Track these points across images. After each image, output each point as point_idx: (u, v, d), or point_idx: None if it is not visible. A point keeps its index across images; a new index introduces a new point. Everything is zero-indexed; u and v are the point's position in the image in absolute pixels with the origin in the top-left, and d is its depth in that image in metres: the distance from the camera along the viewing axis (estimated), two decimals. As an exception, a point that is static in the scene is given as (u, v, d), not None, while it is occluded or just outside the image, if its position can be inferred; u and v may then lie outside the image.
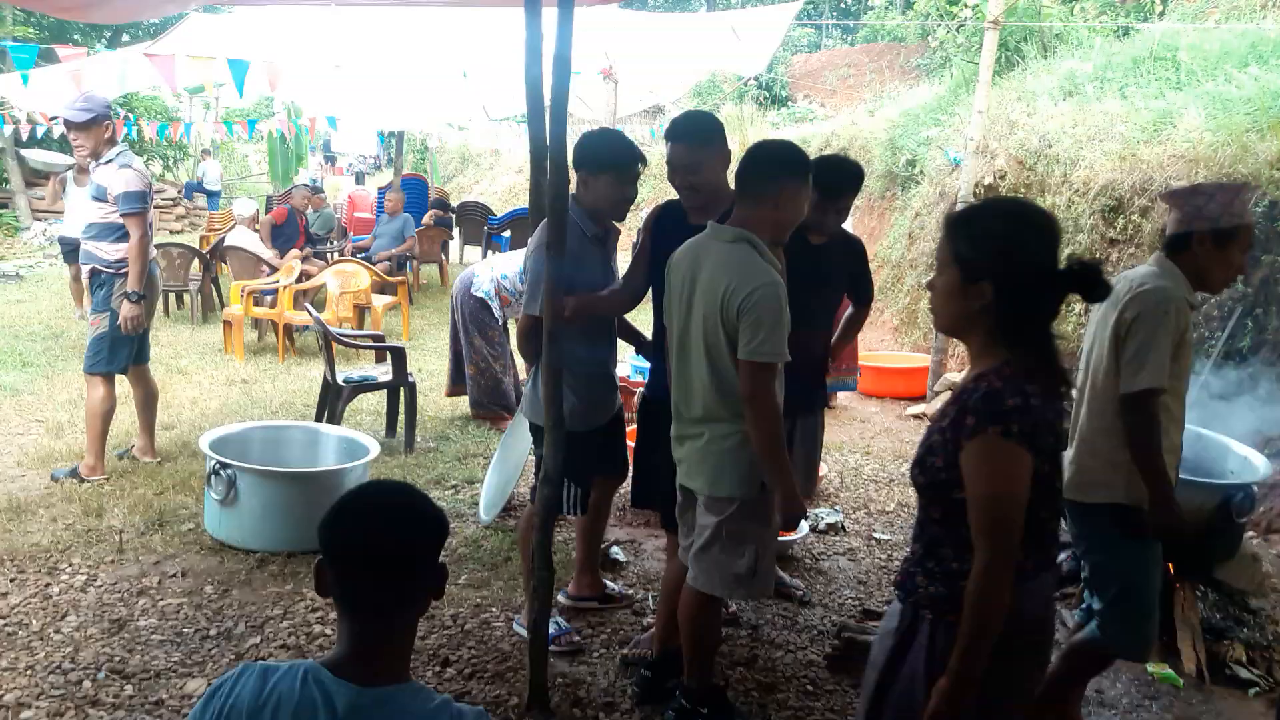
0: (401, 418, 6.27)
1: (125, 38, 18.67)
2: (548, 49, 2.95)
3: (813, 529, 5.03)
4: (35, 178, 17.22)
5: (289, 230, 11.10)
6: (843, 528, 5.17)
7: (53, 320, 9.65)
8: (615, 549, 4.64)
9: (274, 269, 9.69)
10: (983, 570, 1.95)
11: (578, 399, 3.40)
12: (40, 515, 4.83)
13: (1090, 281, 1.98)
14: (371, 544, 1.62)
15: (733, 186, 3.00)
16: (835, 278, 3.93)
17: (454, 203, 15.97)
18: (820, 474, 5.35)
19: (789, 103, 19.51)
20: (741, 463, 2.92)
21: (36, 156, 9.21)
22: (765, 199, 2.91)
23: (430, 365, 8.37)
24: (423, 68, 6.74)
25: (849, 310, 4.33)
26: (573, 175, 3.42)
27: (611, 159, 3.44)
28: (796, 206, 2.94)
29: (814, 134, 14.20)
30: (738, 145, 15.96)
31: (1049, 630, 2.18)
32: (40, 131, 13.23)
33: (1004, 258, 1.98)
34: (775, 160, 2.95)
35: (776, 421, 2.86)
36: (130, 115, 15.76)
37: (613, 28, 7.59)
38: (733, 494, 2.96)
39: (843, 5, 26.90)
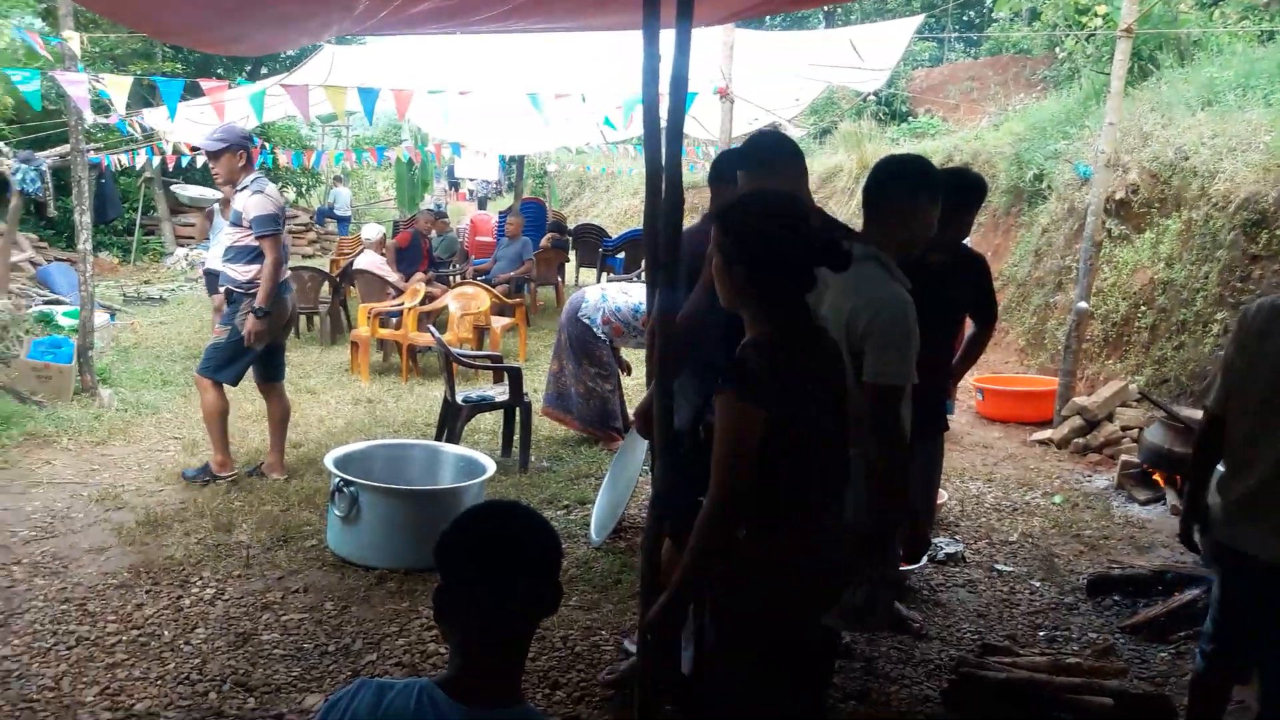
0: (517, 437, 6.34)
1: (264, 70, 19.51)
2: (664, 70, 2.89)
3: (931, 559, 4.87)
4: (180, 207, 18.24)
5: (414, 254, 11.39)
6: (963, 558, 4.99)
7: (191, 341, 10.10)
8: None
9: (399, 292, 9.91)
10: (708, 505, 2.32)
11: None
12: (175, 529, 5.03)
13: (835, 257, 2.39)
14: (487, 564, 1.64)
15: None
16: (957, 297, 3.79)
17: (570, 225, 16.15)
18: (940, 502, 5.19)
19: (910, 118, 19.10)
20: (861, 490, 2.80)
21: (186, 191, 9.71)
22: (893, 215, 2.86)
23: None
24: (543, 93, 6.85)
25: (970, 331, 4.18)
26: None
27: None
28: (925, 222, 2.89)
29: (936, 149, 13.87)
30: (855, 163, 15.85)
31: (812, 580, 2.45)
32: (185, 161, 14.03)
33: (750, 247, 2.34)
34: (903, 175, 2.91)
35: (902, 449, 2.75)
36: (267, 144, 16.49)
37: (730, 46, 7.57)
38: (854, 522, 2.84)
39: (965, 18, 26.29)
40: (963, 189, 3.67)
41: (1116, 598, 4.54)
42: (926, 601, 4.51)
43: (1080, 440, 7.01)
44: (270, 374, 5.74)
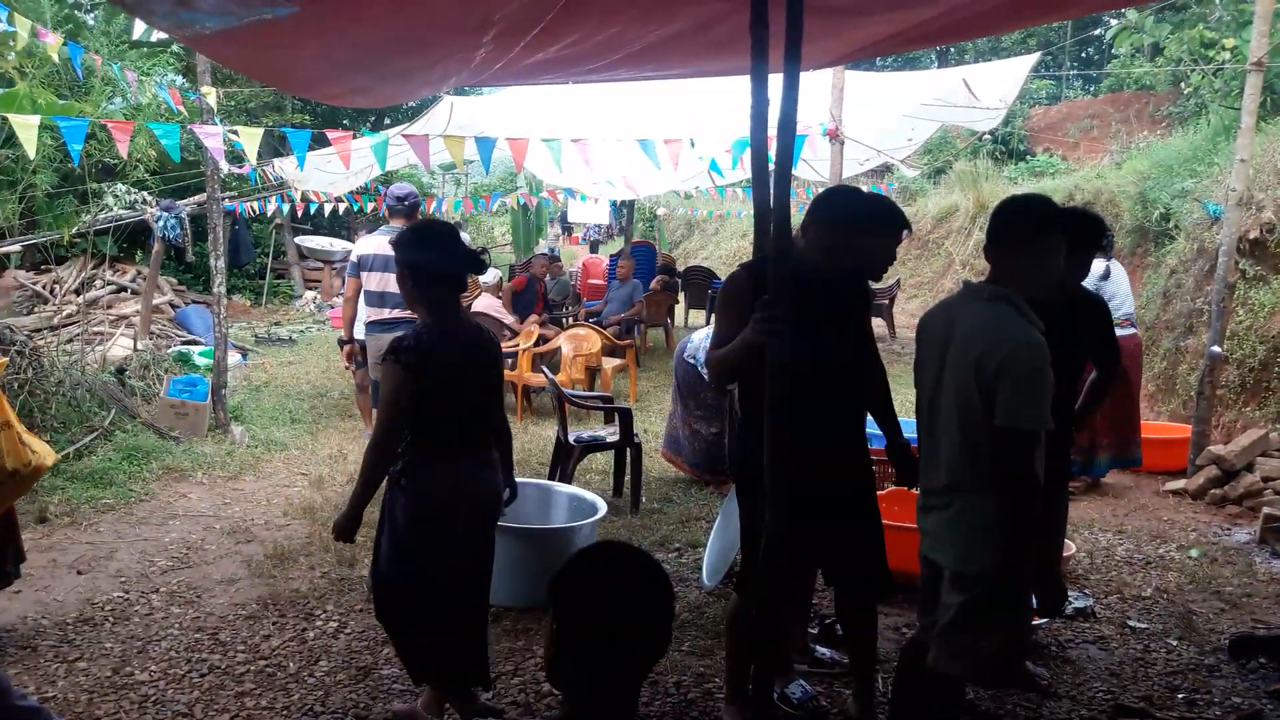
0: (628, 478, 6.34)
1: (387, 120, 20.20)
2: (773, 114, 2.90)
3: (1060, 613, 4.64)
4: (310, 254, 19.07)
5: (529, 297, 11.53)
6: (1093, 613, 4.76)
7: (319, 380, 10.44)
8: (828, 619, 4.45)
9: (515, 333, 9.99)
10: (371, 441, 3.34)
11: None
12: (301, 563, 5.17)
13: (475, 265, 3.36)
14: (602, 608, 1.66)
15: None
16: (1078, 340, 3.67)
17: (680, 268, 16.25)
18: (1068, 553, 4.98)
19: (1028, 156, 18.65)
20: (994, 537, 2.77)
21: (307, 243, 10.15)
22: (1021, 255, 2.85)
23: (655, 426, 8.44)
24: (653, 137, 6.88)
25: (1092, 376, 4.03)
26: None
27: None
28: (1053, 262, 2.87)
29: (1056, 188, 13.52)
30: (971, 202, 15.48)
31: (452, 507, 3.31)
32: (313, 208, 14.52)
33: (414, 263, 3.30)
34: (1030, 214, 2.90)
35: (1035, 496, 2.71)
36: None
37: (839, 88, 7.54)
38: (984, 570, 2.81)
39: (1083, 55, 25.65)
40: (1082, 228, 3.61)
41: (1262, 660, 4.26)
42: (1054, 658, 4.31)
43: (1217, 491, 6.65)
44: None
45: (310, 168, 10.55)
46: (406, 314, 5.71)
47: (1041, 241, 2.84)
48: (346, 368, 7.18)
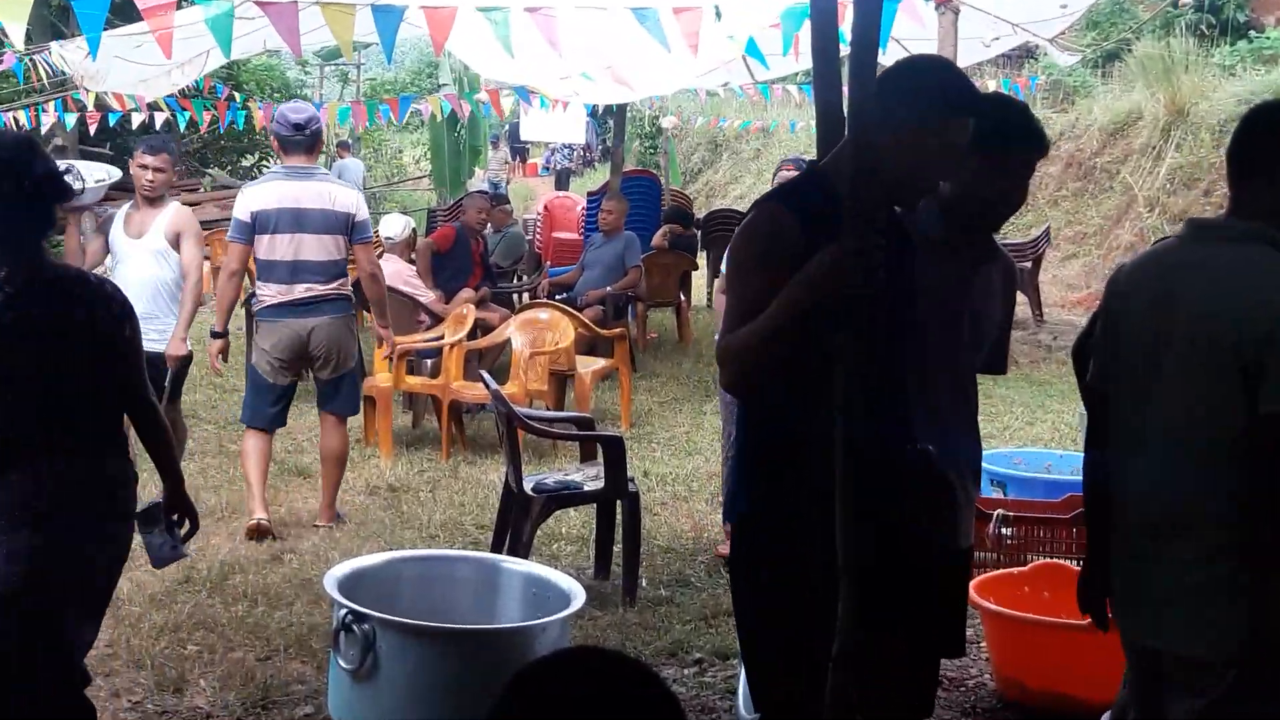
0: (619, 548, 5.62)
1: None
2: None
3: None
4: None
5: (458, 260, 10.21)
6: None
7: None
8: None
9: (436, 318, 9.02)
10: None
11: None
12: (98, 686, 4.29)
13: (59, 190, 3.25)
14: None
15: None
16: None
17: (699, 213, 15.20)
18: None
19: (1250, 33, 16.37)
20: (1249, 600, 2.55)
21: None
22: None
23: (664, 467, 7.53)
24: (655, 4, 6.32)
25: None
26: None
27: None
28: None
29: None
30: (1162, 106, 14.55)
31: None
32: (114, 121, 12.97)
33: None
34: None
35: None
36: (236, 95, 15.04)
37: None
38: (1229, 654, 2.60)
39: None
40: None
41: None
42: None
43: None
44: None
45: (110, 56, 9.19)
46: (333, 289, 6.06)
47: None
48: (216, 372, 7.00)
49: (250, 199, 6.13)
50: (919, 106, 2.67)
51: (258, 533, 5.92)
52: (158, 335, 5.81)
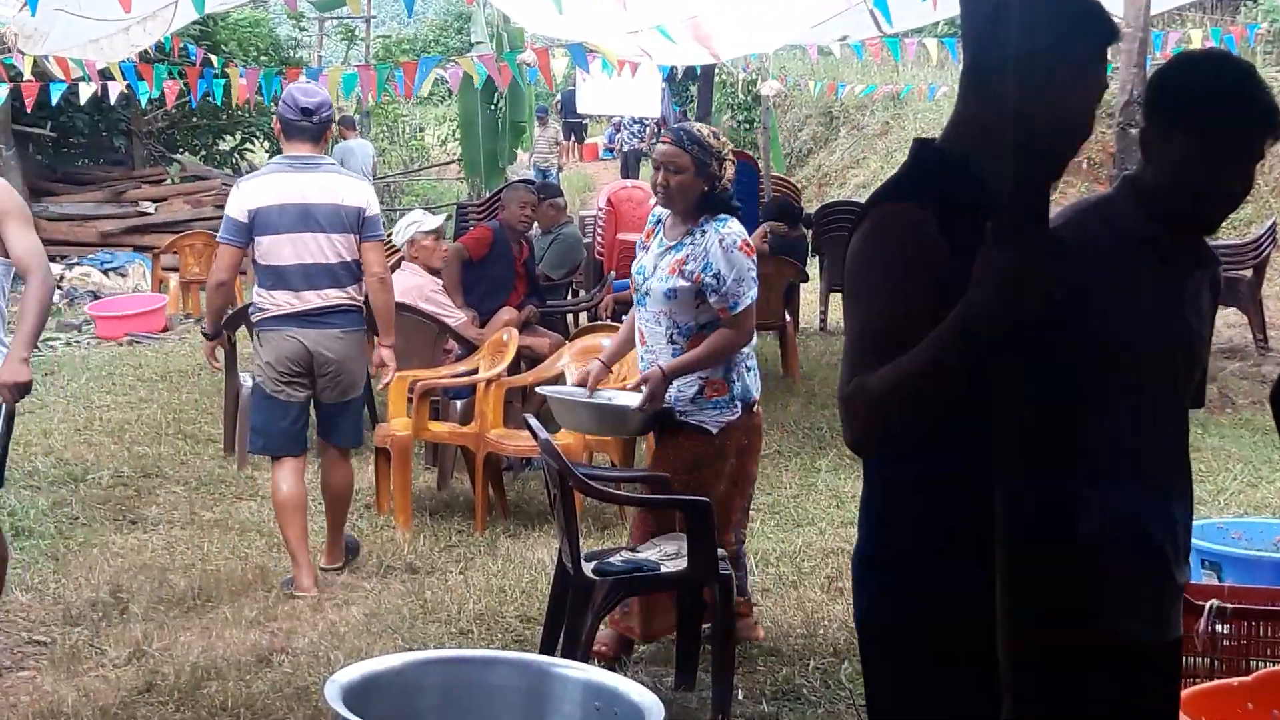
0: (707, 648, 5.01)
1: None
2: None
3: None
4: (46, 183, 16.00)
5: (496, 270, 8.83)
6: None
7: (71, 450, 8.39)
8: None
9: (468, 346, 7.85)
10: None
11: None
12: None
13: None
14: None
15: None
16: None
17: (810, 207, 14.06)
18: None
19: None
20: None
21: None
22: None
23: (766, 541, 6.59)
24: None
25: None
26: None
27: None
28: None
29: None
30: None
31: None
32: (56, 95, 11.69)
33: None
34: None
35: None
36: (213, 58, 13.03)
37: None
38: None
39: None
40: None
41: None
42: None
43: None
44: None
45: (51, 10, 8.24)
46: (347, 297, 5.82)
47: None
48: (215, 366, 6.95)
49: (248, 195, 5.90)
50: (1057, 29, 2.42)
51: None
52: None
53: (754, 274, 5.30)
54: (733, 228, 5.17)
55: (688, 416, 5.10)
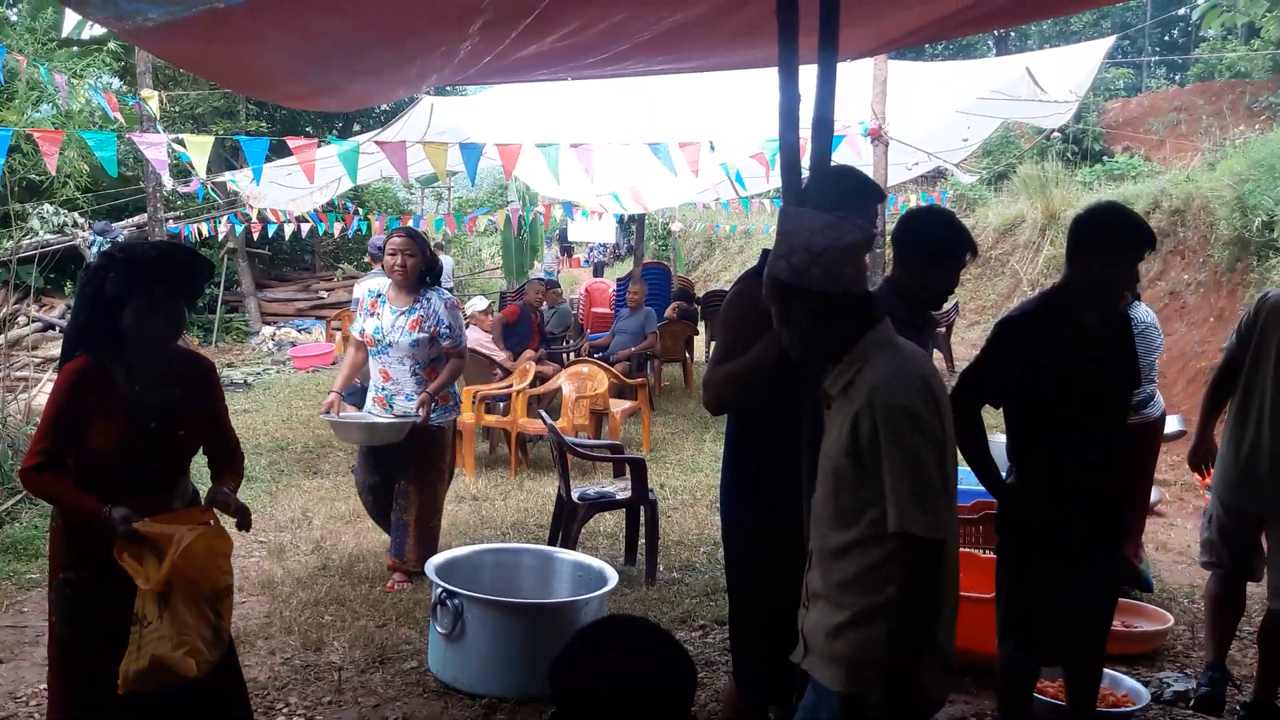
0: (642, 542, 6.24)
1: (356, 127, 20.27)
2: (805, 112, 2.93)
3: (1156, 699, 4.57)
4: (268, 281, 19.19)
5: (523, 329, 11.47)
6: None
7: (279, 431, 10.30)
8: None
9: (507, 372, 9.99)
10: None
11: None
12: (259, 647, 5.04)
13: None
14: (609, 693, 1.64)
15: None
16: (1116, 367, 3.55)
17: (699, 293, 16.27)
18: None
19: (1104, 157, 18.70)
20: None
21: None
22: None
23: (675, 480, 8.34)
24: (666, 140, 6.89)
25: None
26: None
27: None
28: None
29: (1138, 194, 13.51)
30: (1040, 212, 15.52)
31: None
32: (271, 230, 14.31)
33: None
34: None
35: None
36: (360, 209, 16.75)
37: (882, 81, 7.55)
38: None
39: (1166, 39, 25.75)
40: (1129, 231, 3.48)
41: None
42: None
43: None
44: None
45: (268, 182, 10.36)
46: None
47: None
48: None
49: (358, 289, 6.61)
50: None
51: None
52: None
53: (463, 323, 6.07)
54: (444, 295, 5.95)
55: (431, 420, 5.79)
